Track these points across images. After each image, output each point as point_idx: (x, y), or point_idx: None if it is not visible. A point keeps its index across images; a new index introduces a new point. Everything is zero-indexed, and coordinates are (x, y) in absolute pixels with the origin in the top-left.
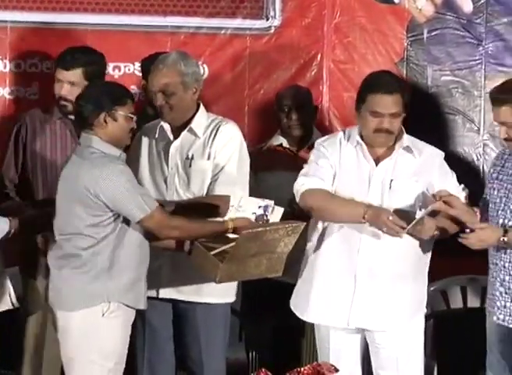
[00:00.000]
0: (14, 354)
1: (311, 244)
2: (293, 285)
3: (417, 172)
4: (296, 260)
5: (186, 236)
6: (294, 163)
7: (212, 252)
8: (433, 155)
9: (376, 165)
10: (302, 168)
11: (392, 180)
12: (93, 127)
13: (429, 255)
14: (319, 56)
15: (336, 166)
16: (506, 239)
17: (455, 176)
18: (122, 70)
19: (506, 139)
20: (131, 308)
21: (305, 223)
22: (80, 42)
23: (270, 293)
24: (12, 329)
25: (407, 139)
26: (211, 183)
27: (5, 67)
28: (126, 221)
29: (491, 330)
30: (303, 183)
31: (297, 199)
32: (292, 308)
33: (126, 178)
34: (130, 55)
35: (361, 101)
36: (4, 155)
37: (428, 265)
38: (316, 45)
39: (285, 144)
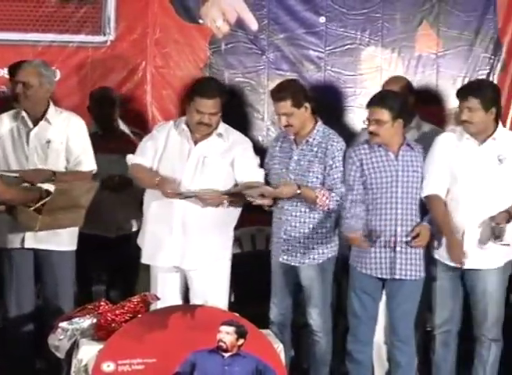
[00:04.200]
0: None
1: (145, 205)
2: (112, 238)
3: (225, 151)
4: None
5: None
6: (108, 145)
7: (31, 208)
8: (239, 140)
9: (195, 145)
10: (115, 148)
11: (205, 157)
12: None
13: (236, 215)
14: (144, 63)
15: (161, 144)
16: (299, 191)
17: (258, 160)
18: None
19: (286, 126)
20: None
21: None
22: None
23: (103, 244)
24: None
25: (221, 127)
26: (72, 163)
27: None
28: None
29: (275, 267)
30: (129, 160)
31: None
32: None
33: None
34: (1, 62)
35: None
36: None
37: (234, 223)
38: (141, 55)
39: (99, 132)
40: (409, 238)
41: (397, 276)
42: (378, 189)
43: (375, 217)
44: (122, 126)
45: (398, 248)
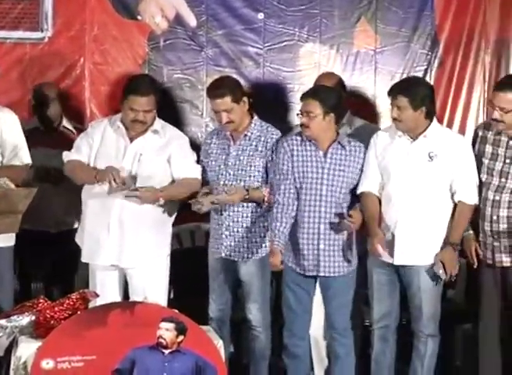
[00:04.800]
0: None
1: (83, 202)
2: (53, 233)
3: (161, 148)
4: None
5: None
6: (49, 140)
7: None
8: (175, 136)
9: (131, 143)
10: (57, 143)
11: (141, 154)
12: None
13: (173, 211)
14: (82, 59)
15: (96, 141)
16: (248, 196)
17: (194, 156)
18: None
19: (228, 122)
20: None
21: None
22: None
23: (43, 239)
24: None
25: (157, 124)
26: (7, 157)
27: None
28: None
29: (214, 263)
30: (65, 157)
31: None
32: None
33: None
34: None
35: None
36: None
37: (172, 220)
38: (80, 51)
39: (41, 127)
40: (333, 232)
41: (321, 273)
42: (304, 184)
43: (299, 213)
44: (65, 122)
45: (321, 246)
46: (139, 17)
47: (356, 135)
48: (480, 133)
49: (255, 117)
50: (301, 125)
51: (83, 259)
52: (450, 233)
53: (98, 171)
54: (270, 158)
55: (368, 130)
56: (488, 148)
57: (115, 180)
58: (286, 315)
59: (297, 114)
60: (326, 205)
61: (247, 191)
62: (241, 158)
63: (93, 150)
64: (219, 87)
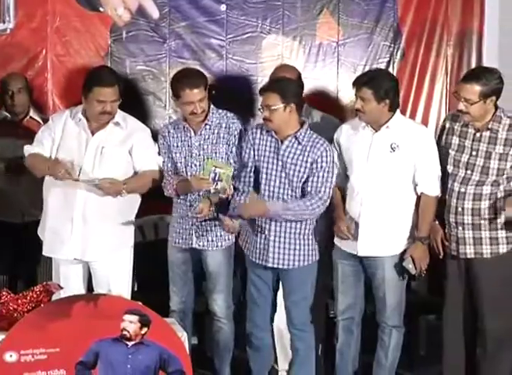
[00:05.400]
0: None
1: (44, 195)
2: (19, 224)
3: (123, 140)
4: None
5: None
6: (17, 131)
7: None
8: (137, 128)
9: (92, 135)
10: (24, 134)
11: (103, 147)
12: None
13: (136, 203)
14: (44, 51)
15: (58, 134)
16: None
17: (156, 148)
18: None
19: (202, 112)
20: None
21: None
22: None
23: (8, 231)
24: None
25: (118, 116)
26: None
27: None
28: None
29: (177, 254)
30: (26, 150)
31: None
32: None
33: None
34: None
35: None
36: None
37: (136, 211)
38: (42, 43)
39: (9, 117)
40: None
41: (270, 265)
42: (260, 174)
43: None
44: (32, 113)
45: (271, 238)
46: (101, 9)
47: (314, 127)
48: (447, 125)
49: (211, 106)
50: (264, 119)
51: (45, 253)
52: (418, 228)
53: (49, 165)
54: (233, 142)
55: (326, 122)
56: (455, 140)
57: (69, 173)
58: (248, 306)
59: (259, 109)
60: (279, 197)
61: (210, 201)
62: (204, 147)
63: (55, 143)
64: (195, 77)
